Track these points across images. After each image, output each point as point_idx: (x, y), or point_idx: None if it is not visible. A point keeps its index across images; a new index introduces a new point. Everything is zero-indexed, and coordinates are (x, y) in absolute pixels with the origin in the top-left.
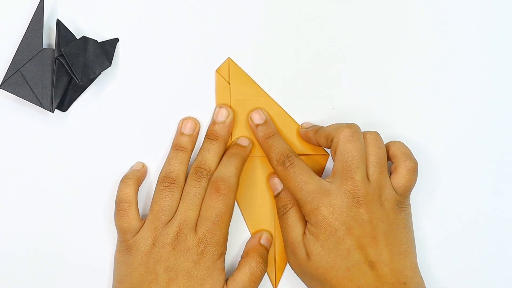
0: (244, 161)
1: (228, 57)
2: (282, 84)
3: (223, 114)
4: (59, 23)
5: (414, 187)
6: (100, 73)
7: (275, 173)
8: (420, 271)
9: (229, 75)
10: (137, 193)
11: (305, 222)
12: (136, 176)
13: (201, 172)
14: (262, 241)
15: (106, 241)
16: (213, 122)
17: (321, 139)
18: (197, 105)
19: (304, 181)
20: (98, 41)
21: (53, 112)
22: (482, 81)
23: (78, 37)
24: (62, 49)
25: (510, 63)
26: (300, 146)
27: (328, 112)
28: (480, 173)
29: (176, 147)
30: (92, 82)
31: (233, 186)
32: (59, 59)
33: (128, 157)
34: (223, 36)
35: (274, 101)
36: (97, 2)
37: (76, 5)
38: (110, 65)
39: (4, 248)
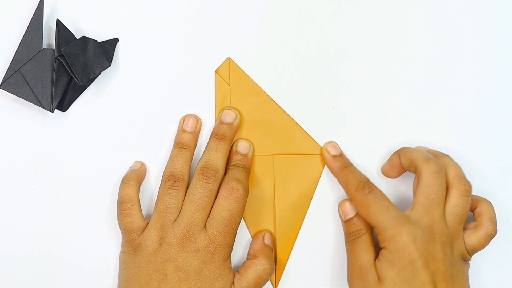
0: (249, 171)
1: (228, 57)
2: (281, 84)
3: (231, 116)
4: (59, 23)
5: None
6: (100, 73)
7: (349, 199)
8: None
9: (229, 75)
10: (139, 193)
11: (375, 249)
12: (136, 175)
13: (209, 173)
14: (266, 241)
15: (107, 241)
16: (220, 122)
17: (404, 160)
18: (197, 105)
19: (386, 207)
20: (98, 41)
21: (53, 112)
22: (483, 80)
23: (78, 37)
24: (62, 49)
25: (510, 63)
26: (297, 146)
27: (328, 112)
28: (480, 171)
29: (179, 145)
30: (92, 82)
31: (247, 190)
32: (59, 59)
33: (128, 157)
34: (223, 36)
35: (274, 101)
36: (97, 2)
37: (76, 5)
38: (110, 65)
39: (4, 248)
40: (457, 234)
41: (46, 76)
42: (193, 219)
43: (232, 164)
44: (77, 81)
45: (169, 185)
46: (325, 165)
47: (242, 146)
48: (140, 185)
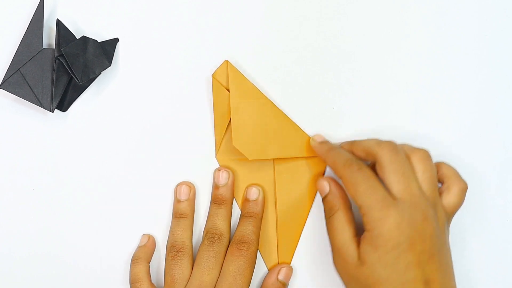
0: (260, 218)
1: (226, 60)
2: (281, 86)
3: (224, 177)
4: (59, 23)
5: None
6: (100, 73)
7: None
8: None
9: (227, 78)
10: (149, 270)
11: (354, 225)
12: (144, 253)
13: (213, 237)
14: (280, 277)
15: (107, 241)
16: (216, 186)
17: (358, 152)
18: (197, 105)
19: (374, 187)
20: (98, 41)
21: (53, 112)
22: (484, 81)
23: (78, 37)
24: (62, 49)
25: (510, 63)
26: (298, 149)
27: (328, 113)
28: (480, 171)
29: (176, 215)
30: (92, 82)
31: (254, 242)
32: (59, 59)
33: (128, 157)
34: (222, 37)
35: (274, 103)
36: (97, 2)
37: (76, 5)
38: (110, 65)
39: (4, 249)
40: (437, 201)
41: (46, 76)
42: (201, 283)
43: (242, 214)
44: (77, 81)
45: (172, 256)
46: (326, 168)
47: (250, 193)
48: (149, 261)
